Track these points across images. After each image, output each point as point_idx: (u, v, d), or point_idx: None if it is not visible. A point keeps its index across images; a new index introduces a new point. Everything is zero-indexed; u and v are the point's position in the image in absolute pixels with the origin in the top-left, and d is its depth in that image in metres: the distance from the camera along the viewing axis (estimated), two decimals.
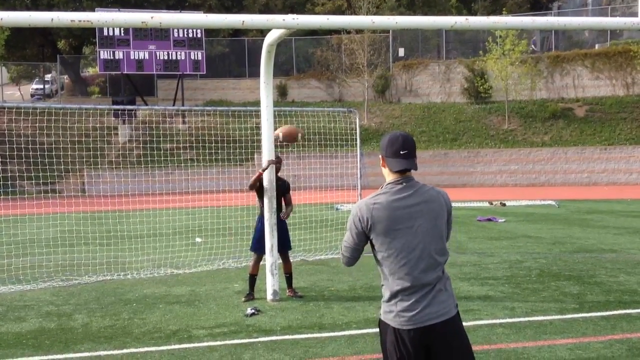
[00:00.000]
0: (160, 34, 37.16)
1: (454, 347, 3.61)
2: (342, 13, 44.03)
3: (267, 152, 8.86)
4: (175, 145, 33.81)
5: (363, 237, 3.71)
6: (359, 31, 39.14)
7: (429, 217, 3.64)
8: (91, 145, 29.08)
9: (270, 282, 8.84)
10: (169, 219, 17.75)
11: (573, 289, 9.16)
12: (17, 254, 12.55)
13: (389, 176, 3.71)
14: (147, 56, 37.39)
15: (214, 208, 18.54)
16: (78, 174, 31.00)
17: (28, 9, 39.13)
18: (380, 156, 3.76)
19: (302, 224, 14.96)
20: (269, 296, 8.86)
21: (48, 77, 51.72)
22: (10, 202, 19.22)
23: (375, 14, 38.93)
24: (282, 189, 9.13)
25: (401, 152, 3.63)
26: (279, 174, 9.15)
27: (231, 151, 26.44)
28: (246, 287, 9.19)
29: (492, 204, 24.32)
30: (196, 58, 38.10)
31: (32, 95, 50.90)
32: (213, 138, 26.83)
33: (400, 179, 3.66)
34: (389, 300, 3.66)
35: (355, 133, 13.28)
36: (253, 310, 8.14)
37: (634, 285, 9.36)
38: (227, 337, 7.11)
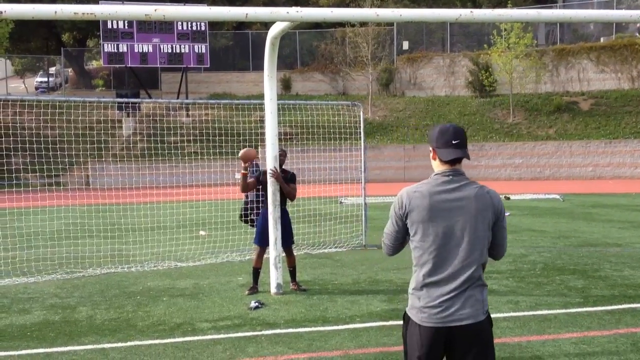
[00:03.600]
0: (164, 27, 37.14)
1: (473, 353, 3.50)
2: (346, 6, 43.92)
3: (270, 145, 8.85)
4: (179, 138, 33.81)
5: (401, 224, 3.62)
6: (363, 24, 39.05)
7: (469, 215, 3.51)
8: (95, 138, 29.12)
9: (274, 275, 8.84)
10: (173, 212, 17.77)
11: (577, 283, 9.14)
12: (22, 247, 12.58)
13: (438, 167, 3.61)
14: (151, 49, 37.38)
15: (218, 201, 18.56)
16: (82, 166, 31.05)
17: (32, 1, 39.13)
18: (430, 148, 3.66)
19: (306, 218, 14.96)
20: (273, 289, 8.86)
21: (52, 70, 51.77)
22: (15, 194, 19.27)
23: (379, 6, 38.83)
24: (286, 180, 9.12)
25: (453, 142, 3.55)
26: (284, 167, 9.14)
27: (235, 144, 26.34)
28: (250, 280, 9.19)
29: None
30: (200, 51, 38.08)
31: (36, 88, 50.99)
32: (217, 131, 26.82)
33: (448, 171, 3.56)
34: (414, 292, 3.59)
35: (359, 126, 13.25)
36: (257, 304, 8.14)
37: (639, 280, 9.33)
38: (231, 330, 7.11)
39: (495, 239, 3.64)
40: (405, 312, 3.69)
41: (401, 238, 3.68)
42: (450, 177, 3.55)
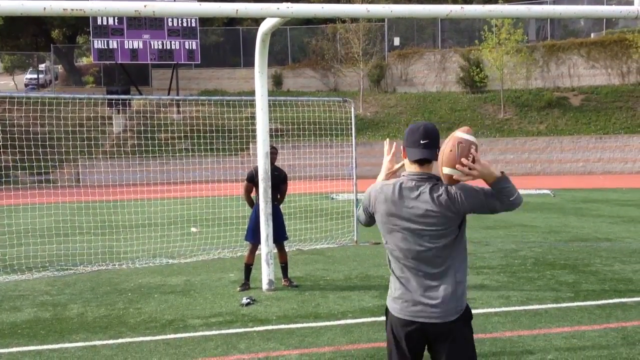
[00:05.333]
0: (154, 23, 36.97)
1: (445, 352, 3.48)
2: (337, 2, 43.88)
3: (262, 141, 8.84)
4: (170, 135, 33.69)
5: (369, 214, 3.70)
6: (354, 20, 39.01)
7: (429, 218, 3.43)
8: (85, 135, 28.96)
9: (266, 271, 8.84)
10: (164, 209, 17.72)
11: (568, 278, 9.18)
12: (12, 244, 12.52)
13: (408, 167, 3.57)
14: (141, 45, 37.22)
15: (209, 198, 18.53)
16: (72, 163, 30.92)
17: None
18: (402, 147, 3.61)
19: (298, 214, 14.96)
20: (265, 286, 8.86)
21: (42, 66, 51.50)
22: (5, 192, 19.19)
23: (370, 2, 38.80)
24: (278, 179, 9.11)
25: (421, 142, 3.47)
26: (275, 164, 9.13)
27: (226, 141, 26.38)
28: (241, 276, 9.19)
29: None
30: (191, 47, 37.94)
31: (26, 85, 50.69)
32: (208, 128, 26.74)
33: (415, 175, 3.51)
34: (391, 283, 3.64)
35: (351, 123, 13.25)
36: (248, 300, 8.14)
37: (629, 274, 9.38)
38: (223, 327, 7.11)
39: (483, 208, 3.48)
40: (386, 305, 3.72)
41: (369, 220, 3.75)
42: (414, 182, 3.49)
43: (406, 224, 3.47)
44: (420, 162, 3.51)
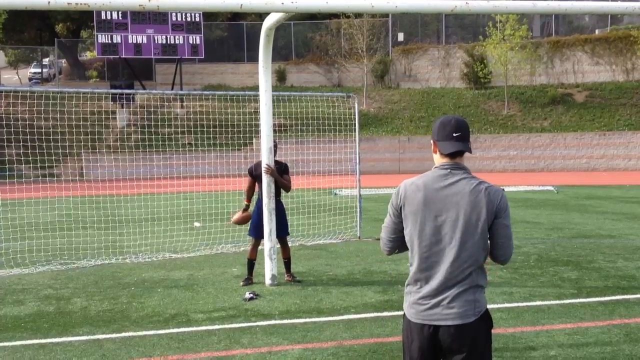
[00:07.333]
0: (158, 18, 36.94)
1: (462, 355, 3.39)
2: None
3: (265, 136, 8.84)
4: (173, 129, 33.72)
5: (397, 216, 3.52)
6: (358, 15, 38.94)
7: (462, 211, 3.35)
8: (89, 130, 29.02)
9: (269, 266, 8.85)
10: (167, 204, 17.74)
11: (571, 275, 9.18)
12: (15, 238, 12.55)
13: (438, 161, 3.51)
14: (145, 40, 37.19)
15: (213, 192, 18.54)
16: (76, 158, 30.95)
17: None
18: (431, 141, 3.57)
19: (301, 209, 14.97)
20: (268, 281, 8.87)
21: (46, 61, 51.48)
22: (8, 186, 19.22)
23: None
24: (280, 172, 9.11)
25: (454, 135, 3.44)
26: (276, 157, 9.12)
27: (230, 136, 26.36)
28: (244, 271, 9.20)
29: None
30: (194, 42, 37.90)
31: (30, 79, 50.75)
32: (211, 122, 26.75)
33: (447, 165, 3.45)
34: (407, 286, 3.55)
35: (354, 118, 13.24)
36: (251, 295, 8.15)
37: (632, 271, 9.37)
38: (226, 321, 7.12)
39: (494, 238, 3.45)
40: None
41: (398, 231, 3.55)
42: (449, 170, 3.44)
43: (439, 210, 3.39)
44: (453, 154, 3.47)
